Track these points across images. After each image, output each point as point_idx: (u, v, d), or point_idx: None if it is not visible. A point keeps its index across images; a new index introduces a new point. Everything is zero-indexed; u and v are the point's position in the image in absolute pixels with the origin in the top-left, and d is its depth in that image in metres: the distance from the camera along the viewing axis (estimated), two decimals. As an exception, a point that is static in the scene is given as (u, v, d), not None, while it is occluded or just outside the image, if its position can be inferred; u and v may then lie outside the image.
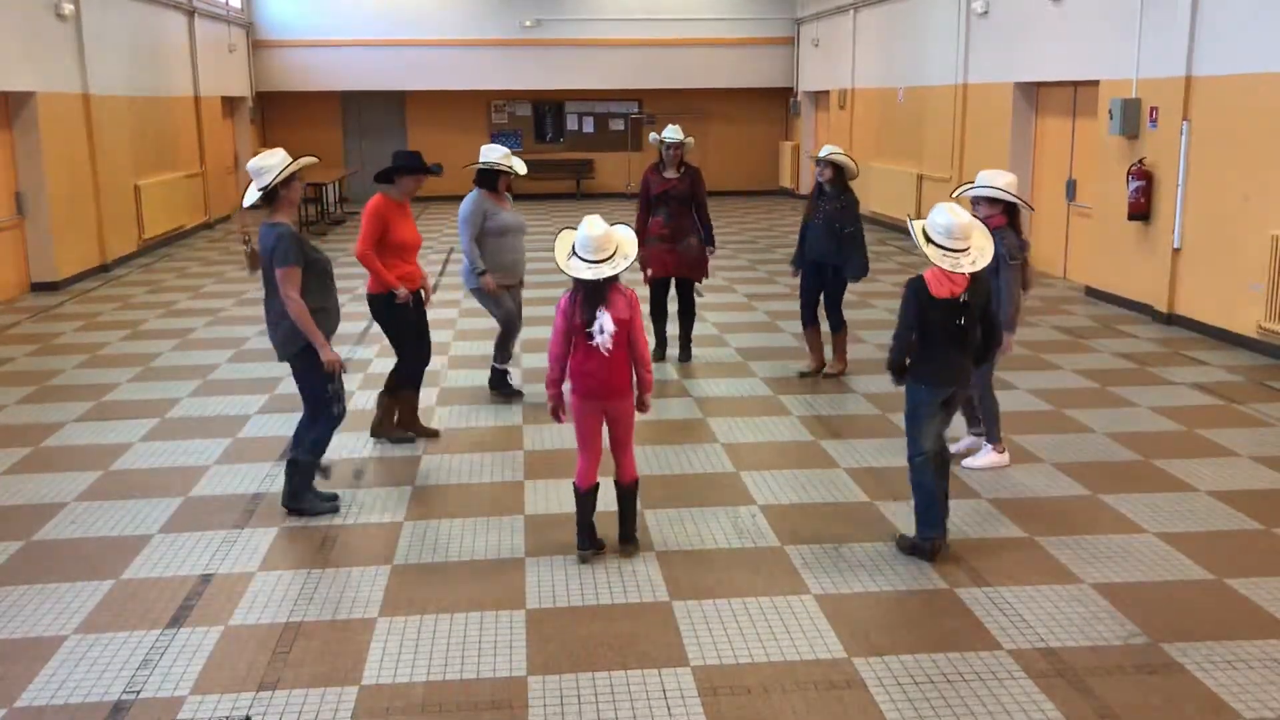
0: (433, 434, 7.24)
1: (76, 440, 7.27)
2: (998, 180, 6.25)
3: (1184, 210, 10.41)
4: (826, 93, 22.25)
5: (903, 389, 5.39)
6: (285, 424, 7.51)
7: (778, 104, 25.25)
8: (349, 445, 7.04)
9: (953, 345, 5.22)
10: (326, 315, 5.75)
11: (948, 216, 5.08)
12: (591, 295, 5.04)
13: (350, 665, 4.34)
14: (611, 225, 5.14)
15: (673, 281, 9.03)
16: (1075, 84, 12.82)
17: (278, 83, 23.19)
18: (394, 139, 24.06)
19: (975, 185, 6.31)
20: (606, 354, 5.04)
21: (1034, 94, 13.93)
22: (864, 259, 8.37)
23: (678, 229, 8.81)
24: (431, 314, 7.58)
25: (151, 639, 4.56)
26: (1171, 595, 4.90)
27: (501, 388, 8.12)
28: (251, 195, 5.60)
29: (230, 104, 21.77)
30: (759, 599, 4.87)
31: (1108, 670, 4.25)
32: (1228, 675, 4.20)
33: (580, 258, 5.03)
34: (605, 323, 5.00)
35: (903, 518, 5.69)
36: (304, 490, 5.92)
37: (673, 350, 9.26)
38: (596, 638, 4.53)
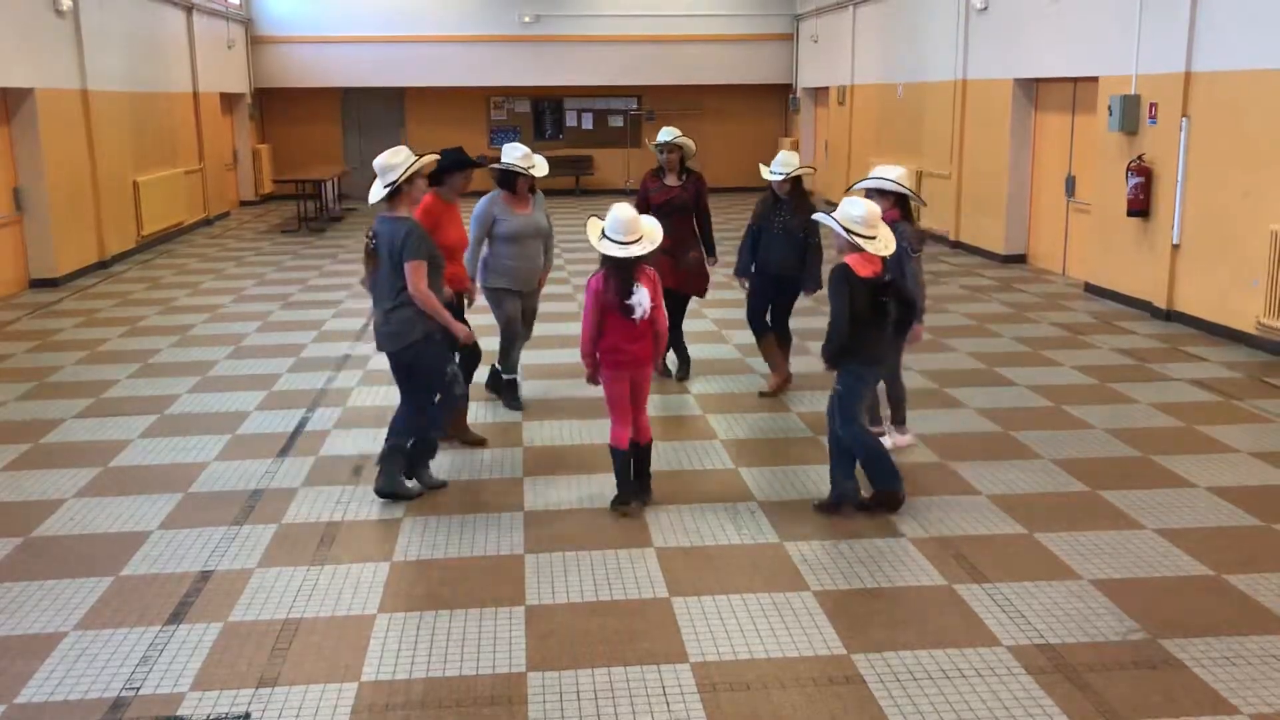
0: (480, 441, 6.97)
1: (75, 437, 7.27)
2: (890, 174, 6.46)
3: (1183, 206, 10.40)
4: (826, 89, 22.25)
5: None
6: (285, 420, 7.52)
7: (777, 100, 25.24)
8: (355, 442, 7.05)
9: (881, 324, 5.63)
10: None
11: (861, 208, 5.54)
12: (623, 273, 5.54)
13: (350, 661, 4.34)
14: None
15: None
16: (1075, 80, 12.81)
17: (276, 79, 23.18)
18: (393, 135, 24.03)
19: (868, 179, 6.53)
20: (639, 323, 5.57)
21: (1033, 90, 13.92)
22: (820, 272, 7.73)
23: (678, 241, 7.95)
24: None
25: (151, 635, 4.56)
26: (1170, 591, 4.91)
27: (504, 393, 7.76)
28: (378, 192, 5.75)
29: (229, 100, 21.75)
30: (758, 595, 4.87)
31: (1107, 666, 4.25)
32: (1227, 671, 4.20)
33: (610, 239, 5.53)
34: (643, 297, 5.54)
35: (904, 514, 5.72)
36: (402, 470, 6.07)
37: (671, 357, 8.65)
38: (596, 634, 4.54)
